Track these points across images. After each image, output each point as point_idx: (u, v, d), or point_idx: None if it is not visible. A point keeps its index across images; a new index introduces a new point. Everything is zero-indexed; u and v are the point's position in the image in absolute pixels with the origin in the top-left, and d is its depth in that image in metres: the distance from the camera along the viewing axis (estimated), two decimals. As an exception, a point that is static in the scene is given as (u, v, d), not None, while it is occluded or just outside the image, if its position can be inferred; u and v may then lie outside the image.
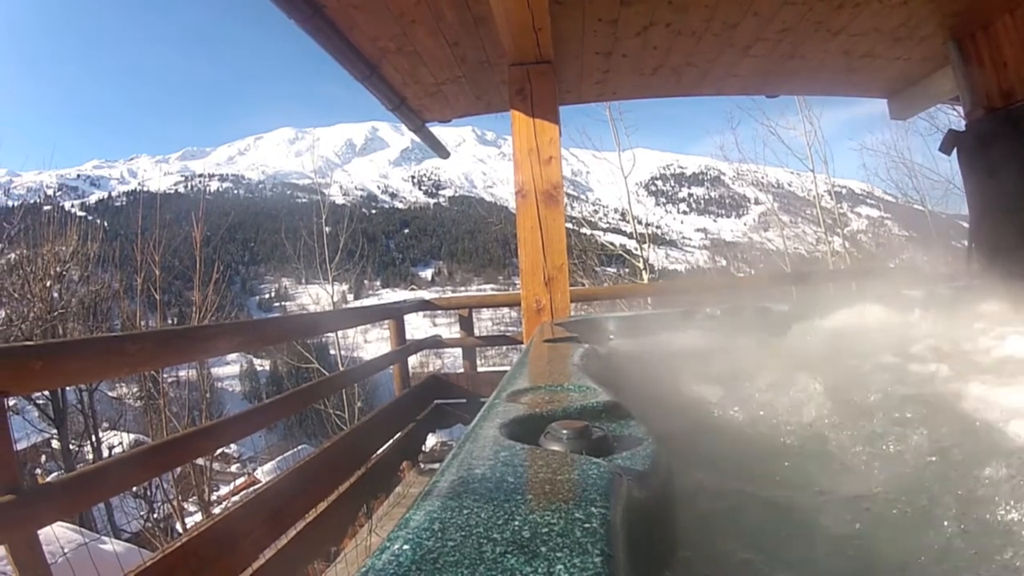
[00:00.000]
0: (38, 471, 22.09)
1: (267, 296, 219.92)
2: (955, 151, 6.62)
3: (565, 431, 1.21)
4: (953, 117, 14.58)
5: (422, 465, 8.22)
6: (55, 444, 22.14)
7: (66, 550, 3.42)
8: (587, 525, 0.82)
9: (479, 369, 9.25)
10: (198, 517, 16.57)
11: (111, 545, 5.50)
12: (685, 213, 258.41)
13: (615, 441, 1.27)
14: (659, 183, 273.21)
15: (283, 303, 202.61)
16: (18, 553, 2.52)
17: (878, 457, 1.69)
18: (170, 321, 23.35)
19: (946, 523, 1.33)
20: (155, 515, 17.41)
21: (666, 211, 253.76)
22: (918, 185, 21.80)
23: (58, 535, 3.77)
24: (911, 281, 7.70)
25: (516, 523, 0.83)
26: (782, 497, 1.51)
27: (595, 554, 0.75)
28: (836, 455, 1.74)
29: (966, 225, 7.36)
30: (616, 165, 22.28)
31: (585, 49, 6.19)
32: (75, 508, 3.61)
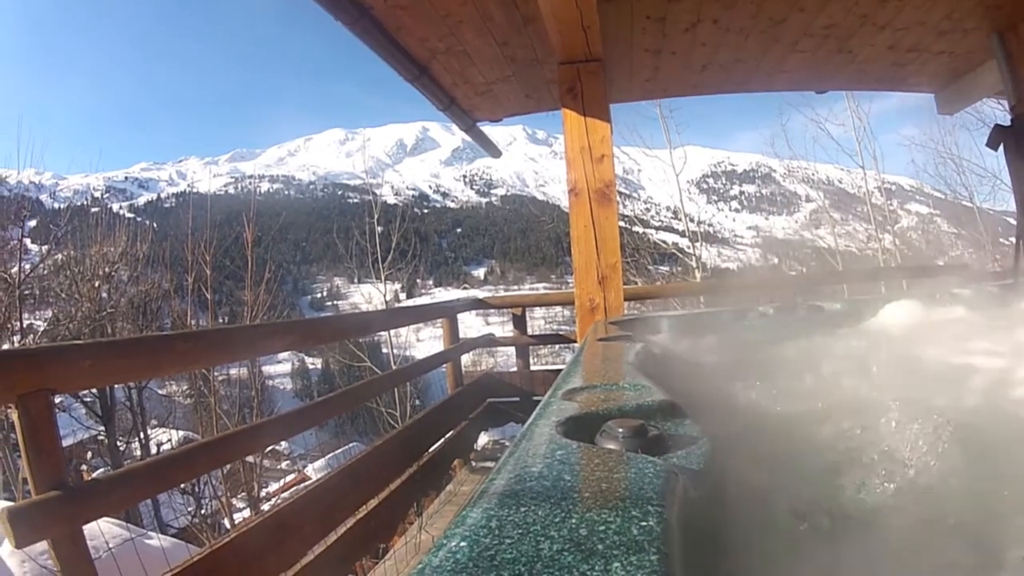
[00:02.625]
0: (84, 467, 22.36)
1: (319, 295, 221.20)
2: (1001, 146, 6.51)
3: (621, 429, 1.22)
4: (999, 112, 14.33)
5: (474, 463, 8.21)
6: (102, 440, 22.43)
7: (111, 545, 3.45)
8: (643, 523, 0.82)
9: (532, 368, 9.20)
10: (246, 513, 16.72)
11: (157, 540, 5.56)
12: (736, 211, 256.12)
13: (670, 440, 1.27)
14: (710, 180, 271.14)
15: (335, 302, 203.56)
16: (61, 548, 2.54)
17: (934, 465, 1.66)
18: (221, 320, 23.58)
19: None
20: (202, 511, 17.59)
21: (718, 209, 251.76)
22: (966, 181, 21.46)
23: (103, 530, 3.81)
24: (960, 279, 7.59)
25: (573, 521, 0.83)
26: (830, 502, 1.49)
27: (651, 552, 0.75)
28: (897, 464, 1.71)
29: (1014, 222, 7.22)
30: (667, 163, 22.17)
31: (634, 47, 6.17)
32: (121, 505, 3.65)
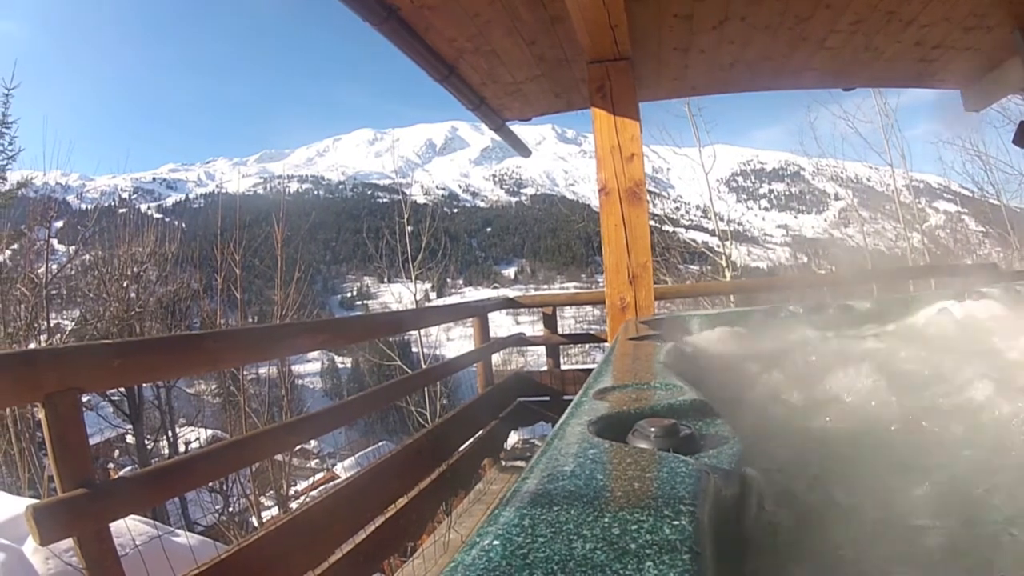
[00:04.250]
0: (111, 466, 22.53)
1: (349, 295, 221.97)
2: None
3: (653, 429, 1.22)
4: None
5: (503, 462, 8.22)
6: (129, 439, 22.63)
7: (138, 542, 3.47)
8: (676, 523, 0.82)
9: (562, 367, 9.16)
10: (274, 512, 16.79)
11: (184, 538, 5.57)
12: (766, 209, 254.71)
13: (702, 439, 1.27)
14: (739, 179, 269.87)
15: (365, 301, 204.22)
16: (88, 546, 2.55)
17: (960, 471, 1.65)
18: (251, 320, 23.71)
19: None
20: (230, 509, 17.69)
21: (747, 207, 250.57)
22: (993, 179, 21.23)
23: (130, 527, 3.83)
24: (988, 278, 7.53)
25: (605, 520, 0.83)
26: (858, 505, 1.48)
27: (684, 551, 0.75)
28: (921, 469, 1.70)
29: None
30: (697, 161, 22.10)
31: (662, 45, 6.16)
32: (148, 503, 3.68)
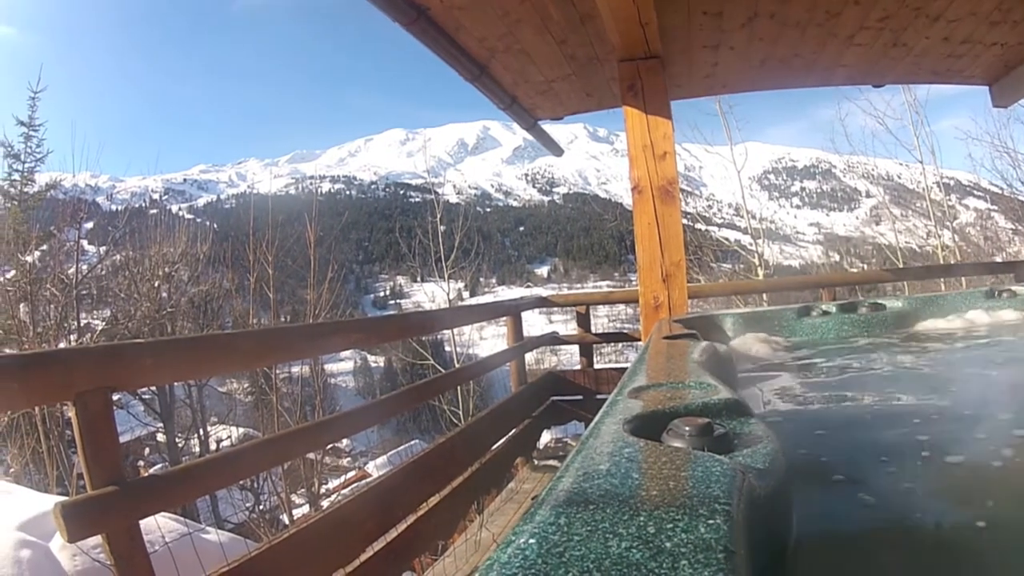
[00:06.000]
0: (140, 463, 22.71)
1: (382, 294, 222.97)
2: None
3: (688, 428, 1.22)
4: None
5: (536, 461, 8.22)
6: (160, 437, 22.83)
7: (167, 539, 3.50)
8: (711, 522, 0.82)
9: (596, 366, 9.13)
10: (305, 510, 16.87)
11: (215, 535, 5.61)
12: (798, 207, 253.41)
13: (736, 438, 1.27)
14: (771, 177, 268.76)
15: (398, 301, 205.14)
16: (117, 543, 2.56)
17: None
18: (283, 319, 23.81)
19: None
20: (261, 507, 17.79)
21: (779, 205, 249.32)
22: (1022, 175, 21.07)
23: (160, 525, 3.87)
24: (1018, 275, 7.46)
25: (641, 519, 0.84)
26: (887, 507, 1.48)
27: (718, 550, 0.75)
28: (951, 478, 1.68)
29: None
30: (728, 159, 22.03)
31: (692, 43, 6.14)
32: (179, 500, 3.69)
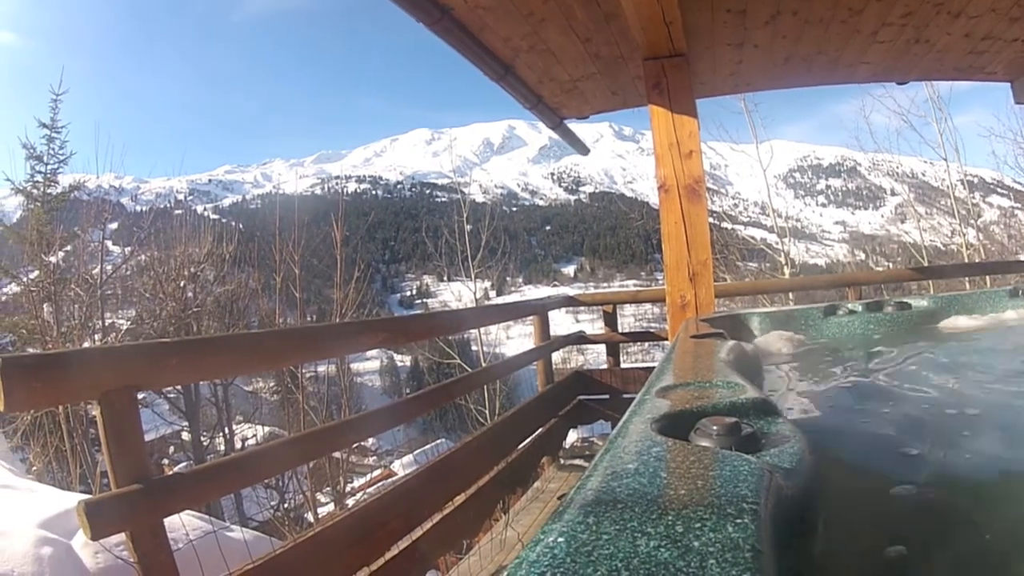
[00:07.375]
0: (165, 462, 22.86)
1: (408, 293, 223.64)
2: None
3: (715, 427, 1.22)
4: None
5: (562, 461, 8.21)
6: (185, 436, 22.91)
7: (191, 537, 3.51)
8: (739, 521, 0.82)
9: (622, 365, 9.12)
10: (330, 508, 16.94)
11: (239, 533, 5.62)
12: (823, 205, 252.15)
13: (764, 438, 1.27)
14: (796, 175, 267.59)
15: (424, 300, 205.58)
16: (141, 541, 2.57)
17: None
18: (309, 319, 23.87)
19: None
20: (285, 505, 17.87)
21: (804, 204, 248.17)
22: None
23: (184, 522, 3.88)
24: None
25: (669, 518, 0.84)
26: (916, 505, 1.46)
27: (746, 549, 0.75)
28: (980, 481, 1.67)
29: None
30: (754, 157, 21.94)
31: (716, 41, 6.12)
32: (204, 498, 3.69)
